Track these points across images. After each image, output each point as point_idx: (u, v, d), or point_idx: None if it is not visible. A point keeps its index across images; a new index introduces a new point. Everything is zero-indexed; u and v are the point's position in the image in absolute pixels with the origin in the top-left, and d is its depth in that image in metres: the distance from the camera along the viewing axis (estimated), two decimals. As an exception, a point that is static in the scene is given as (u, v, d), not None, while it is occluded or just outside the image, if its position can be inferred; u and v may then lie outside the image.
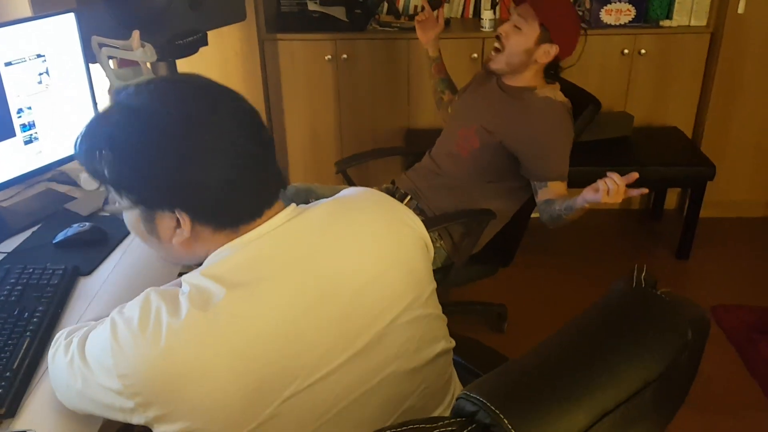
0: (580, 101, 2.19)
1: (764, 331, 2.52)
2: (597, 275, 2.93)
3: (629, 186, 1.77)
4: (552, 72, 2.15)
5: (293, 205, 1.05)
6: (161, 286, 0.97)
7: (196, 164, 0.94)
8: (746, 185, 3.26)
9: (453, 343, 1.25)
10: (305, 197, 2.13)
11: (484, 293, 2.69)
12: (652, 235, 3.27)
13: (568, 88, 2.20)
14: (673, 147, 3.04)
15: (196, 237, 0.99)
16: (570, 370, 0.80)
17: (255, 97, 3.13)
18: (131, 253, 1.54)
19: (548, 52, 2.05)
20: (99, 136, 0.97)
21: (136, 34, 1.93)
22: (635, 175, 1.76)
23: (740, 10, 2.92)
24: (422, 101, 3.21)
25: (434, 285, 1.18)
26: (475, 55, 3.04)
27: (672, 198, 3.42)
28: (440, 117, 2.53)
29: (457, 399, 0.78)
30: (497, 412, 0.73)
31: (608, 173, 1.77)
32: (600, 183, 1.76)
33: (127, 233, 1.61)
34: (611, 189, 1.74)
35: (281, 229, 1.00)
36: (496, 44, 2.11)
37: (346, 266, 1.02)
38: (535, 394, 0.77)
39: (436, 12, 2.38)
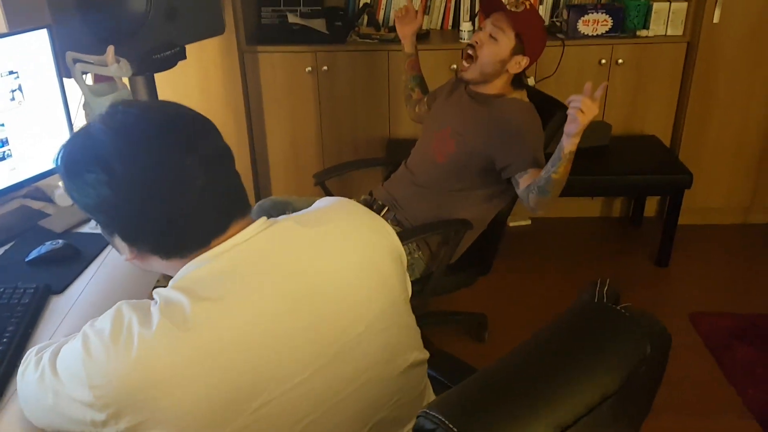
0: (549, 109, 2.20)
1: (741, 336, 2.55)
2: (577, 282, 2.95)
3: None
4: (518, 80, 2.18)
5: (264, 218, 1.06)
6: (132, 300, 0.98)
7: (134, 205, 0.96)
8: (723, 192, 3.30)
9: (427, 354, 1.26)
10: (282, 210, 2.13)
11: (464, 302, 2.71)
12: (632, 241, 3.30)
13: (536, 96, 2.23)
14: (651, 155, 3.08)
15: (146, 259, 1.03)
16: (530, 386, 0.81)
17: (236, 110, 3.14)
18: (104, 271, 1.54)
19: (520, 63, 2.08)
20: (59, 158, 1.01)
21: (110, 49, 1.93)
22: (604, 86, 1.79)
23: (715, 20, 2.96)
24: (403, 112, 3.22)
25: (408, 294, 1.19)
26: (455, 65, 3.06)
27: (651, 205, 3.45)
28: (408, 113, 2.57)
29: (417, 417, 0.79)
30: (455, 430, 0.74)
31: (570, 99, 1.76)
32: (570, 111, 1.75)
33: (101, 250, 1.61)
34: (584, 108, 1.73)
35: (252, 241, 1.01)
36: (470, 51, 2.12)
37: (318, 275, 1.03)
38: (495, 411, 0.78)
39: (416, 7, 2.40)
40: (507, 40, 2.07)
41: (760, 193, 3.29)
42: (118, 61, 1.92)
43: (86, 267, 1.54)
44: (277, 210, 2.11)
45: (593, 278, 3.18)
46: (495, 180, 2.15)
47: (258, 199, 3.37)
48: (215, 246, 1.00)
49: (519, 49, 2.06)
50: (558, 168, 1.85)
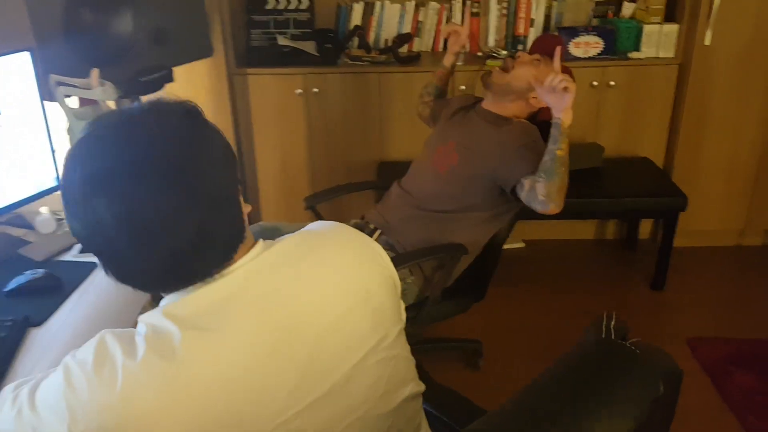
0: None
1: (739, 363, 2.50)
2: (572, 307, 2.90)
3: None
4: (532, 119, 2.19)
5: (261, 241, 1.02)
6: (117, 329, 0.93)
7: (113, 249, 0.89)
8: (718, 214, 3.27)
9: (422, 387, 1.21)
10: (271, 236, 2.06)
11: (458, 328, 2.65)
12: (627, 265, 3.26)
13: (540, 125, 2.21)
14: (644, 178, 3.05)
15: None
16: None
17: (225, 133, 3.08)
18: (86, 301, 1.48)
19: (539, 100, 2.06)
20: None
21: (95, 72, 1.89)
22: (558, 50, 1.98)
23: (707, 42, 2.96)
24: (394, 134, 3.20)
25: (402, 325, 1.14)
26: (463, 87, 3.03)
27: (646, 227, 3.42)
28: (416, 107, 2.55)
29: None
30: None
31: (549, 83, 1.89)
32: (557, 90, 1.88)
33: (83, 279, 1.55)
34: (567, 84, 1.86)
35: (248, 267, 0.96)
36: (508, 63, 2.14)
37: (311, 305, 0.98)
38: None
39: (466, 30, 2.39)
40: (546, 69, 2.08)
41: (754, 215, 3.27)
42: (102, 84, 1.88)
43: (68, 297, 1.48)
44: (266, 237, 2.05)
45: (589, 303, 3.16)
46: (492, 203, 2.11)
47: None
48: (221, 275, 0.95)
49: None
50: (561, 144, 1.89)
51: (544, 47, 2.18)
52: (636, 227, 3.35)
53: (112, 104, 1.99)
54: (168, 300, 0.96)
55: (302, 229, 1.10)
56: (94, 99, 1.89)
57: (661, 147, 3.23)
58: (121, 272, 0.92)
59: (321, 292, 1.00)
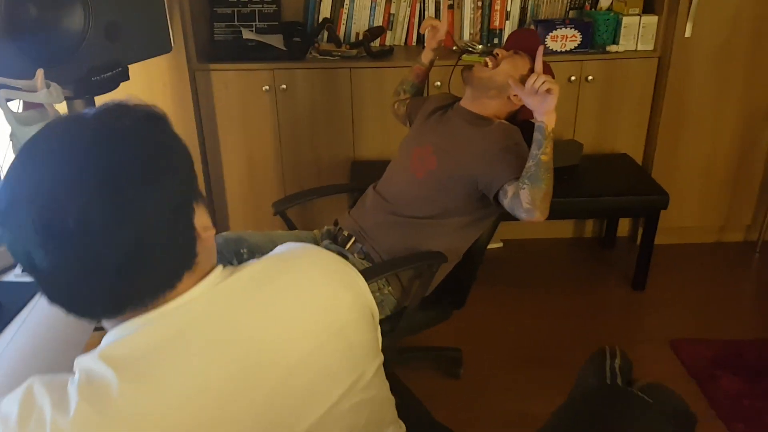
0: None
1: (725, 365, 2.44)
2: (553, 309, 2.82)
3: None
4: (512, 119, 2.08)
5: (219, 267, 0.89)
6: (47, 375, 0.80)
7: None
8: (697, 211, 3.21)
9: (403, 428, 1.09)
10: (236, 248, 1.94)
11: (435, 336, 2.53)
12: (606, 264, 3.18)
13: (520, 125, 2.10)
14: (624, 175, 2.97)
15: None
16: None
17: (187, 133, 2.93)
18: (30, 328, 1.33)
19: (518, 97, 1.95)
20: None
21: (39, 72, 1.73)
22: (540, 49, 1.88)
23: (687, 34, 2.88)
24: (367, 132, 3.07)
25: (380, 360, 1.02)
26: (438, 83, 2.91)
27: (624, 226, 3.35)
28: (389, 104, 2.43)
29: None
30: None
31: (531, 84, 1.80)
32: (540, 92, 1.78)
33: (26, 303, 1.40)
34: (549, 85, 1.77)
35: (201, 300, 0.84)
36: (488, 61, 2.03)
37: (274, 342, 0.86)
38: None
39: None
40: (523, 65, 2.00)
41: (734, 211, 3.22)
42: (48, 86, 1.72)
43: (8, 324, 1.33)
44: (230, 248, 1.92)
45: (570, 305, 3.03)
46: (472, 207, 2.00)
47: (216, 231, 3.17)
48: (161, 305, 0.82)
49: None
50: (545, 148, 1.79)
51: (520, 43, 2.07)
52: (615, 225, 3.28)
53: (60, 107, 1.83)
54: (108, 338, 0.83)
55: (269, 254, 0.97)
56: (39, 102, 1.73)
57: (640, 143, 3.15)
58: (46, 291, 0.82)
59: (287, 327, 0.88)
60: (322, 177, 3.13)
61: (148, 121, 0.83)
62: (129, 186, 0.77)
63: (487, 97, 2.02)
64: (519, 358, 2.52)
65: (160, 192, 0.79)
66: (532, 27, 3.07)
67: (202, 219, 0.86)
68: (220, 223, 3.22)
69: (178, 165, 0.83)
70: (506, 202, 1.85)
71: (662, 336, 2.65)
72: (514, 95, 1.99)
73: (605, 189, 2.84)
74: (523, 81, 1.93)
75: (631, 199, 2.81)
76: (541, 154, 1.79)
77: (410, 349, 2.48)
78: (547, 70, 1.95)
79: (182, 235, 0.83)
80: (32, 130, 1.69)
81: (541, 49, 1.85)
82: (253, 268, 0.92)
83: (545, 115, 1.80)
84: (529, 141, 1.99)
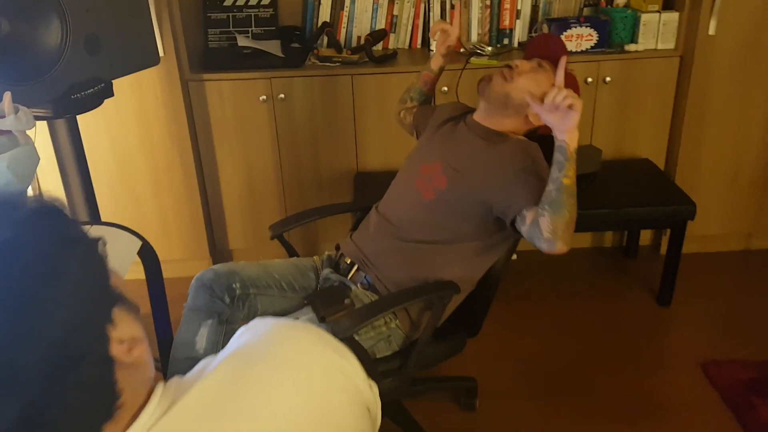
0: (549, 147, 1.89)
1: (763, 391, 2.25)
2: (573, 328, 2.64)
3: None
4: (531, 135, 1.90)
5: (156, 396, 0.72)
6: None
7: None
8: (723, 218, 3.02)
9: None
10: (227, 282, 1.77)
11: (447, 362, 2.33)
12: (628, 276, 3.00)
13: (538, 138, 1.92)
14: (646, 182, 2.78)
15: None
16: None
17: (181, 150, 2.76)
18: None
19: (538, 116, 1.76)
20: None
21: (7, 96, 1.57)
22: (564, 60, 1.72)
23: (711, 32, 2.69)
24: (371, 142, 2.90)
25: None
26: (445, 88, 2.73)
27: (647, 233, 3.16)
28: (395, 111, 2.26)
29: None
30: None
31: (551, 99, 1.63)
32: (561, 108, 1.62)
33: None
34: (572, 101, 1.60)
35: None
36: (506, 73, 1.83)
37: None
38: None
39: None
40: (546, 81, 1.79)
41: (762, 216, 3.02)
42: (16, 111, 1.56)
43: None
44: (221, 284, 1.75)
45: (590, 323, 2.81)
46: (486, 231, 1.83)
47: (213, 251, 3.01)
48: None
49: None
50: (567, 170, 1.61)
51: (543, 51, 1.89)
52: (637, 234, 3.09)
53: (32, 132, 1.66)
54: None
55: (231, 349, 0.79)
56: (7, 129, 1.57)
57: (662, 147, 2.96)
58: None
59: None
60: (323, 191, 2.96)
61: (31, 230, 0.65)
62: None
63: (503, 115, 1.84)
64: (539, 386, 2.35)
65: (58, 333, 0.61)
66: (545, 26, 2.89)
67: (126, 330, 0.68)
68: (218, 241, 3.05)
69: (87, 285, 0.66)
70: (524, 230, 1.67)
71: (692, 357, 2.47)
72: (533, 114, 1.80)
73: (627, 199, 2.65)
74: (542, 99, 1.75)
75: (655, 210, 2.62)
76: (563, 177, 1.61)
77: (421, 380, 2.31)
78: (571, 82, 1.77)
79: (91, 377, 0.64)
80: (0, 160, 1.53)
81: (564, 60, 1.67)
82: (210, 380, 0.74)
83: (567, 133, 1.62)
84: (549, 158, 1.82)
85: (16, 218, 0.65)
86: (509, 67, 1.85)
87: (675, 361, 2.47)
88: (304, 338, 0.82)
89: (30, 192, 1.68)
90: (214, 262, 3.05)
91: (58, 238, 0.66)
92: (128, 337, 0.69)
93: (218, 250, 3.09)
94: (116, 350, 0.67)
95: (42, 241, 0.64)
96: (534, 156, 1.78)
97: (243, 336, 0.83)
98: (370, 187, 2.81)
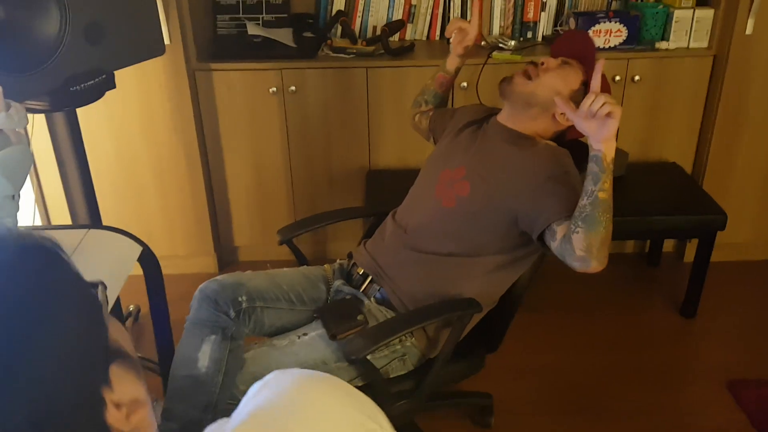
0: (580, 156, 1.76)
1: (796, 415, 2.14)
2: (592, 340, 2.52)
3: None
4: (560, 138, 1.78)
5: None
6: None
7: None
8: (753, 224, 2.89)
9: None
10: (232, 294, 1.64)
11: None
12: (651, 285, 2.87)
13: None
14: (674, 189, 2.64)
15: None
16: None
17: (187, 143, 2.64)
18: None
19: (565, 116, 1.63)
20: None
21: (-3, 91, 1.44)
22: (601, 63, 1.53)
23: (748, 31, 2.54)
24: (385, 138, 2.76)
25: None
26: (465, 83, 2.60)
27: (670, 240, 3.03)
28: (409, 115, 2.14)
29: None
30: None
31: (588, 106, 1.46)
32: (599, 115, 1.45)
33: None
34: (611, 108, 1.44)
35: None
36: (531, 70, 1.70)
37: None
38: None
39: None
40: (575, 78, 1.68)
41: (793, 225, 2.89)
42: (8, 108, 1.43)
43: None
44: (226, 297, 1.63)
45: (610, 335, 2.67)
46: (511, 244, 1.70)
47: (217, 247, 2.90)
48: None
49: (578, 98, 1.59)
50: (603, 183, 1.47)
51: (570, 49, 1.75)
52: (660, 240, 2.96)
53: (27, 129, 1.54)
54: None
55: (248, 410, 0.68)
56: (-4, 127, 1.45)
57: (691, 150, 2.83)
58: None
59: None
60: (334, 187, 2.84)
61: (12, 272, 0.54)
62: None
63: (528, 116, 1.71)
64: (557, 403, 2.23)
65: (23, 388, 0.51)
66: (572, 20, 2.74)
67: (125, 390, 0.58)
68: (223, 238, 2.94)
69: (60, 335, 0.54)
70: (554, 246, 1.54)
71: (717, 374, 2.35)
72: (561, 114, 1.68)
73: (654, 206, 2.52)
74: (573, 99, 1.61)
75: (683, 219, 2.49)
76: (599, 190, 1.48)
77: (436, 395, 2.19)
78: (604, 86, 1.63)
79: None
80: (-12, 161, 1.41)
81: (601, 63, 1.53)
82: None
83: (603, 142, 1.49)
84: (579, 165, 1.69)
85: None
86: (533, 63, 1.71)
87: (699, 378, 2.35)
88: (330, 400, 0.71)
89: (21, 224, 1.56)
90: (219, 259, 2.95)
91: (47, 286, 0.55)
92: (127, 400, 0.59)
93: (223, 247, 2.97)
94: (112, 417, 0.57)
95: (27, 290, 0.54)
96: (565, 164, 1.65)
97: (261, 393, 0.71)
98: (382, 186, 2.69)
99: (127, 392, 0.58)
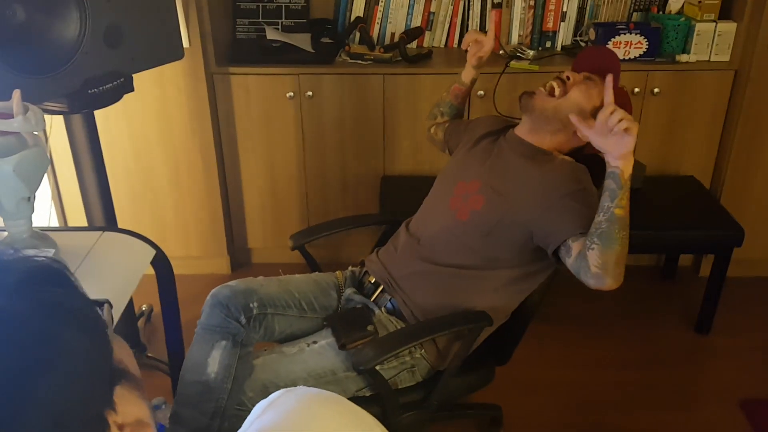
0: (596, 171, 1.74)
1: (810, 438, 2.10)
2: (603, 355, 2.50)
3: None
4: (576, 153, 1.76)
5: None
6: None
7: None
8: (770, 241, 2.85)
9: None
10: (244, 301, 1.65)
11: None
12: (665, 300, 2.84)
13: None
14: (691, 203, 2.62)
15: None
16: None
17: (203, 146, 2.65)
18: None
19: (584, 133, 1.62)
20: None
21: (16, 94, 1.45)
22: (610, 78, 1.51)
23: (771, 45, 2.51)
24: (400, 145, 2.76)
25: None
26: (482, 92, 2.59)
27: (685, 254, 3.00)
28: (425, 127, 2.14)
29: None
30: None
31: (606, 121, 1.45)
32: (616, 131, 1.44)
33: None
34: (628, 124, 1.43)
35: None
36: (556, 85, 1.68)
37: None
38: None
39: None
40: (598, 95, 1.64)
41: (812, 243, 2.84)
42: (25, 111, 1.44)
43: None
44: (237, 303, 1.63)
45: (622, 350, 2.65)
46: (525, 258, 1.69)
47: (231, 249, 2.90)
48: None
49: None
50: (620, 200, 1.46)
51: (593, 64, 1.73)
52: (676, 254, 2.93)
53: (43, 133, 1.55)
54: None
55: (254, 429, 0.68)
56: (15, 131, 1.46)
57: (709, 165, 2.79)
58: None
59: None
60: (348, 193, 2.84)
61: (17, 296, 0.53)
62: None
63: (549, 132, 1.70)
64: (567, 419, 2.22)
65: (24, 413, 0.50)
66: (592, 31, 2.72)
67: (129, 412, 0.57)
68: (237, 240, 2.94)
69: (64, 359, 0.53)
70: (570, 262, 1.53)
71: (731, 393, 2.32)
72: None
73: (670, 221, 2.50)
74: (592, 115, 1.60)
75: (700, 234, 2.46)
76: (615, 207, 1.46)
77: (445, 406, 2.18)
78: (624, 100, 1.62)
79: None
80: (6, 163, 1.42)
81: (610, 78, 1.50)
82: None
83: (621, 159, 1.47)
84: (596, 181, 1.68)
85: (5, 284, 0.54)
86: (560, 80, 1.70)
87: (712, 396, 2.32)
88: (334, 425, 0.70)
89: (36, 225, 1.58)
90: (232, 260, 2.96)
91: (51, 309, 0.55)
92: (131, 421, 0.58)
93: (237, 248, 2.98)
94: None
95: (33, 310, 0.53)
96: (583, 181, 1.63)
97: (266, 414, 0.71)
98: (396, 193, 2.68)
99: (130, 413, 0.58)
